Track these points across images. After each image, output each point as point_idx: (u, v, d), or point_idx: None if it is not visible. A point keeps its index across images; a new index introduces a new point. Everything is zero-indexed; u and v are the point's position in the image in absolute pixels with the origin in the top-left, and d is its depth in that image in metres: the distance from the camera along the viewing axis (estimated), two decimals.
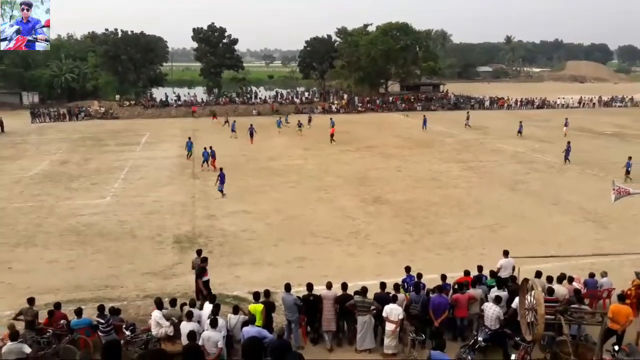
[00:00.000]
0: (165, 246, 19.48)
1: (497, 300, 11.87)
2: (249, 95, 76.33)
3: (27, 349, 10.09)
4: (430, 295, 12.38)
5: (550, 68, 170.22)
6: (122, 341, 10.83)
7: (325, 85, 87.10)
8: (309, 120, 52.00)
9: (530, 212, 23.46)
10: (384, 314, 11.55)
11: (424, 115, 51.41)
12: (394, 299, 11.84)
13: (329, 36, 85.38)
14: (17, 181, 29.72)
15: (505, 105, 71.56)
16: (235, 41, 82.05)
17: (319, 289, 12.48)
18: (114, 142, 43.60)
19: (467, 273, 13.62)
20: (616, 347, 10.64)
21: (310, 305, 12.21)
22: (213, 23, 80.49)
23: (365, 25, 79.12)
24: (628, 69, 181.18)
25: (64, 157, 36.89)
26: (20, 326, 11.20)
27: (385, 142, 42.28)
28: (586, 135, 46.09)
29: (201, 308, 11.88)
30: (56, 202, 25.33)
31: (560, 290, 12.38)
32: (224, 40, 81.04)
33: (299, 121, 48.61)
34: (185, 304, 12.26)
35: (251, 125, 42.82)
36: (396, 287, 12.46)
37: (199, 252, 15.20)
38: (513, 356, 11.05)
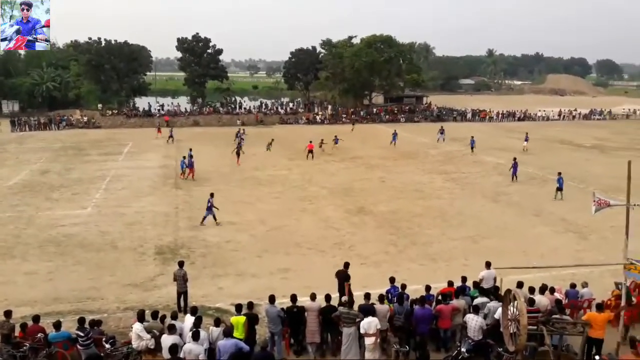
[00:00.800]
0: (147, 257, 19.23)
1: (476, 309, 11.91)
2: (233, 106, 76.29)
3: None
4: (414, 306, 12.38)
5: (531, 81, 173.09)
6: (102, 354, 10.61)
7: (309, 96, 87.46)
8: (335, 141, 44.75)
9: (512, 223, 23.71)
10: (361, 330, 11.31)
11: (395, 130, 48.47)
12: (372, 311, 11.71)
13: (314, 47, 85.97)
14: None
15: (487, 117, 72.54)
16: (219, 51, 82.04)
17: (303, 301, 12.40)
18: (96, 151, 43.11)
19: (450, 284, 13.68)
20: (597, 357, 10.74)
21: (294, 317, 12.12)
22: (197, 33, 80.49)
23: (350, 37, 79.89)
24: (606, 83, 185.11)
25: (44, 166, 36.34)
26: None
27: (369, 153, 42.51)
28: (566, 148, 46.90)
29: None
30: (36, 212, 24.89)
31: (542, 300, 12.49)
32: (209, 50, 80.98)
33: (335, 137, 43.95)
34: (165, 316, 12.08)
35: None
36: (381, 298, 12.44)
37: (180, 263, 15.06)
38: None
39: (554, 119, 73.95)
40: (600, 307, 11.87)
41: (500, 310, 11.59)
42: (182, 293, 14.56)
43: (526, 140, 45.16)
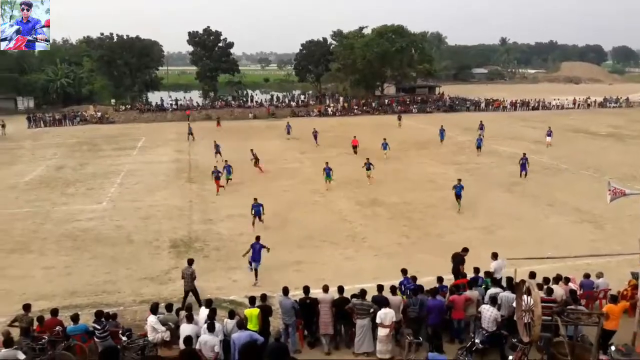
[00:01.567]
0: (161, 251, 19.44)
1: (493, 300, 11.87)
2: (245, 99, 76.43)
3: (22, 356, 10.02)
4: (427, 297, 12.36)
5: (545, 69, 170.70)
6: (118, 347, 10.78)
7: (321, 88, 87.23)
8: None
9: (526, 213, 23.51)
10: (377, 320, 11.47)
11: (442, 126, 43.82)
12: (386, 303, 11.77)
13: (325, 39, 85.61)
14: (12, 187, 29.63)
15: (501, 107, 71.80)
16: (230, 45, 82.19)
17: (316, 293, 12.46)
18: (110, 146, 43.53)
19: (463, 275, 13.64)
20: (612, 348, 10.66)
21: (307, 309, 12.19)
22: (209, 27, 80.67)
23: (361, 28, 79.31)
24: (622, 70, 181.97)
25: (59, 162, 36.81)
26: (15, 333, 11.14)
27: (381, 144, 42.21)
28: (581, 136, 46.28)
29: None
30: (52, 207, 25.26)
31: (557, 291, 12.41)
32: (220, 44, 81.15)
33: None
34: (180, 308, 12.22)
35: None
36: (393, 289, 12.45)
37: (190, 261, 15.06)
38: (510, 358, 11.04)
39: (568, 107, 72.88)
40: (615, 299, 11.76)
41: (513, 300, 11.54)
42: (190, 291, 14.54)
43: (549, 135, 40.37)
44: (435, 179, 30.33)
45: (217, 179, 27.42)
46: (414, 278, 13.31)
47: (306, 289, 12.42)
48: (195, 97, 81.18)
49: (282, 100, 75.53)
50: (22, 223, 22.84)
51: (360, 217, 23.27)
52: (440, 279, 13.34)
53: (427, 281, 13.66)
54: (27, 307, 12.07)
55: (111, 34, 75.57)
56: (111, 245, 20.09)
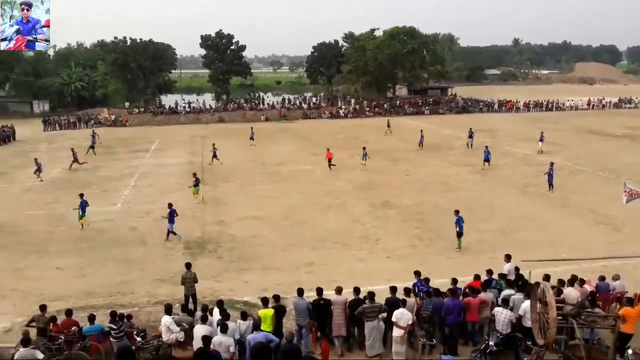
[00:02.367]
0: (175, 252, 19.57)
1: (505, 302, 11.77)
2: (257, 101, 76.71)
3: (40, 355, 10.15)
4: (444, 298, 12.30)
5: (559, 70, 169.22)
6: (133, 347, 10.87)
7: (332, 90, 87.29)
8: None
9: (541, 215, 23.30)
10: (393, 319, 11.43)
11: (470, 128, 41.49)
12: (403, 303, 11.74)
13: (336, 41, 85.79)
14: (28, 189, 30.02)
15: (514, 107, 71.27)
16: (243, 48, 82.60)
17: (329, 294, 12.45)
18: (124, 149, 43.94)
19: (477, 277, 13.55)
20: (629, 351, 10.52)
21: (320, 310, 12.19)
22: (221, 30, 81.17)
23: (372, 30, 79.28)
24: (637, 70, 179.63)
25: (74, 164, 37.16)
26: (32, 333, 11.29)
27: (393, 146, 42.24)
28: (596, 138, 45.75)
29: None
30: (67, 209, 25.52)
31: (572, 293, 12.28)
32: (232, 47, 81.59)
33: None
34: (194, 309, 12.29)
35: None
36: (407, 291, 12.40)
37: (187, 265, 14.91)
38: None
39: (582, 108, 72.12)
40: (631, 302, 11.62)
41: (526, 303, 11.44)
42: (191, 295, 14.43)
43: (541, 140, 38.26)
44: (448, 180, 30.16)
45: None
46: (427, 280, 13.25)
47: (319, 291, 12.42)
48: (208, 99, 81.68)
49: (293, 102, 75.71)
50: (39, 225, 23.11)
51: (372, 218, 23.24)
52: (454, 281, 13.26)
53: (440, 283, 13.60)
54: (43, 308, 12.22)
55: (125, 37, 76.40)
56: (125, 246, 20.27)
